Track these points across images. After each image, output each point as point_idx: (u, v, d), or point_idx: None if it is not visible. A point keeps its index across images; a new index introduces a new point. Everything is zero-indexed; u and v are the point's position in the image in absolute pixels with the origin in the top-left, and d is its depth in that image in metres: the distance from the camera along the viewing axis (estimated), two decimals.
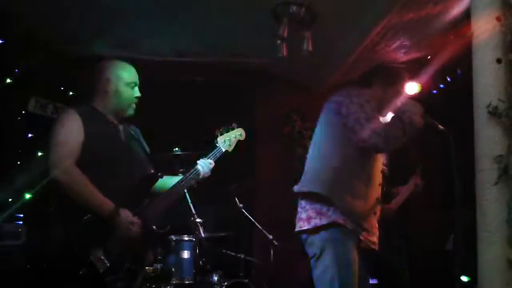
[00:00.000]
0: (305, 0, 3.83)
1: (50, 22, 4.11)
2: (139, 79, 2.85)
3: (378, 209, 2.66)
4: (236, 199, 4.64)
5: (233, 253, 4.59)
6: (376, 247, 2.59)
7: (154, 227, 2.72)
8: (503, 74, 2.26)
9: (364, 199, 2.54)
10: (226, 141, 3.04)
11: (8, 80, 4.09)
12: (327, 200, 2.48)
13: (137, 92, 2.78)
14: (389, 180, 4.09)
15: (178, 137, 4.46)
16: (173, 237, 4.14)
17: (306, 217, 2.53)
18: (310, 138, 2.72)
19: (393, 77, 2.74)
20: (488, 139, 2.26)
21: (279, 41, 3.90)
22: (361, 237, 2.51)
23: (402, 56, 4.86)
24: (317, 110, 2.72)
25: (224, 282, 4.18)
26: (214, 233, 4.49)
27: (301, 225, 2.55)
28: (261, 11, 3.89)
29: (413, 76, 4.77)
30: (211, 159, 2.95)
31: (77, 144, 2.54)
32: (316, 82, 5.38)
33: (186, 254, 4.12)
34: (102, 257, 2.46)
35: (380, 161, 2.67)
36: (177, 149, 4.11)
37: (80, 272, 2.41)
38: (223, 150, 3.01)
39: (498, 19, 2.28)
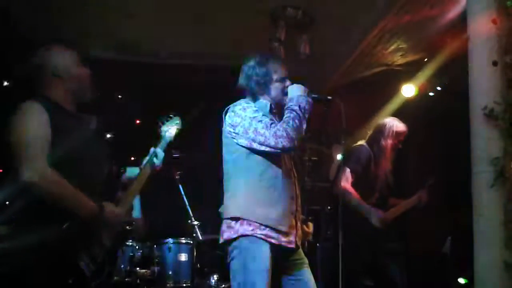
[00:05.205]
0: (302, 3, 3.84)
1: (50, 23, 4.11)
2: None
3: (298, 206, 2.70)
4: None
5: None
6: (293, 245, 2.62)
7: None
8: (499, 76, 2.27)
9: (276, 204, 2.59)
10: (169, 130, 3.03)
11: (8, 81, 4.09)
12: (236, 217, 2.59)
13: (87, 70, 2.57)
14: (392, 188, 4.10)
15: (176, 140, 4.45)
16: (171, 240, 4.14)
17: (221, 232, 2.66)
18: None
19: (263, 79, 2.74)
20: (484, 141, 2.27)
21: (276, 44, 3.91)
22: (274, 241, 2.55)
23: (399, 59, 4.87)
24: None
25: (222, 285, 4.17)
26: (212, 235, 4.49)
27: (220, 239, 2.68)
28: (259, 13, 3.91)
29: (410, 79, 4.81)
30: (161, 149, 2.91)
31: (47, 141, 2.29)
32: (313, 85, 5.38)
33: (183, 257, 4.12)
34: (89, 262, 2.42)
35: (285, 159, 2.70)
36: (175, 151, 4.12)
37: (70, 281, 2.34)
38: (168, 140, 2.99)
39: (494, 21, 2.29)
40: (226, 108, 2.74)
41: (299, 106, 2.60)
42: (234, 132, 2.63)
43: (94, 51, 4.50)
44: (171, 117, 3.07)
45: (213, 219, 4.84)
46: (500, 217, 2.20)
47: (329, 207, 4.79)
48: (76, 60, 2.54)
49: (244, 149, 2.61)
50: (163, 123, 3.02)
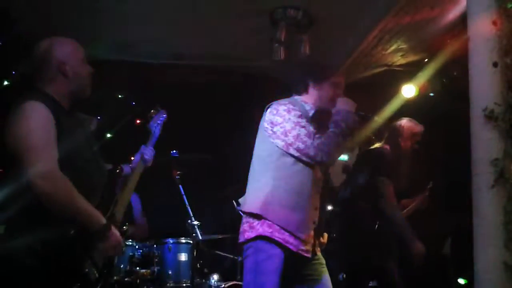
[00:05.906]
0: (302, 4, 3.85)
1: (49, 24, 4.11)
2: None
3: (319, 217, 2.69)
4: (234, 201, 4.64)
5: (230, 256, 4.59)
6: (309, 255, 2.62)
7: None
8: (500, 77, 2.27)
9: (300, 210, 2.58)
10: (158, 125, 3.00)
11: (7, 82, 4.08)
12: (258, 215, 2.58)
13: (90, 68, 2.44)
14: (404, 192, 4.09)
15: (176, 140, 4.46)
16: (171, 240, 4.15)
17: (242, 230, 2.66)
18: None
19: (323, 72, 2.77)
20: (484, 142, 2.27)
21: (276, 45, 3.92)
22: (291, 247, 2.55)
23: (399, 60, 4.87)
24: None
25: (221, 285, 4.18)
26: (212, 235, 4.49)
27: (240, 238, 2.68)
28: (259, 14, 3.91)
29: (410, 79, 4.81)
30: (151, 146, 2.87)
31: (55, 143, 2.15)
32: None
33: (183, 257, 4.13)
34: (92, 268, 2.30)
35: (317, 169, 2.66)
36: (174, 151, 4.12)
37: None
38: (157, 135, 2.97)
39: (494, 23, 2.29)
40: (269, 104, 2.71)
41: (346, 123, 2.57)
42: (271, 130, 2.60)
43: (94, 51, 4.50)
44: (157, 111, 3.05)
45: (213, 219, 4.86)
46: (500, 218, 2.20)
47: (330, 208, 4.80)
48: (83, 57, 2.42)
49: (278, 148, 2.58)
50: (150, 118, 3.00)
